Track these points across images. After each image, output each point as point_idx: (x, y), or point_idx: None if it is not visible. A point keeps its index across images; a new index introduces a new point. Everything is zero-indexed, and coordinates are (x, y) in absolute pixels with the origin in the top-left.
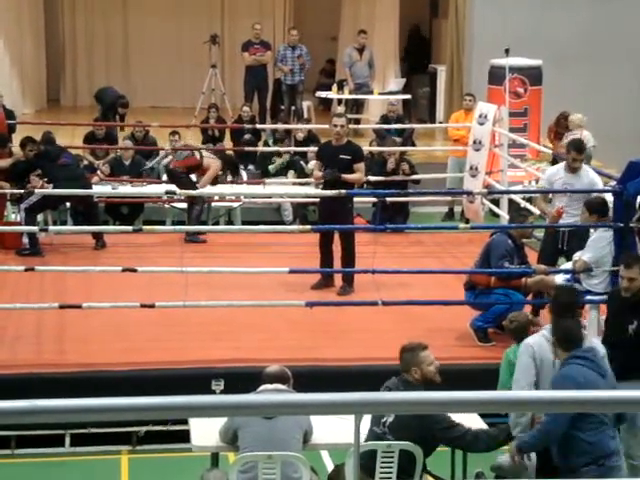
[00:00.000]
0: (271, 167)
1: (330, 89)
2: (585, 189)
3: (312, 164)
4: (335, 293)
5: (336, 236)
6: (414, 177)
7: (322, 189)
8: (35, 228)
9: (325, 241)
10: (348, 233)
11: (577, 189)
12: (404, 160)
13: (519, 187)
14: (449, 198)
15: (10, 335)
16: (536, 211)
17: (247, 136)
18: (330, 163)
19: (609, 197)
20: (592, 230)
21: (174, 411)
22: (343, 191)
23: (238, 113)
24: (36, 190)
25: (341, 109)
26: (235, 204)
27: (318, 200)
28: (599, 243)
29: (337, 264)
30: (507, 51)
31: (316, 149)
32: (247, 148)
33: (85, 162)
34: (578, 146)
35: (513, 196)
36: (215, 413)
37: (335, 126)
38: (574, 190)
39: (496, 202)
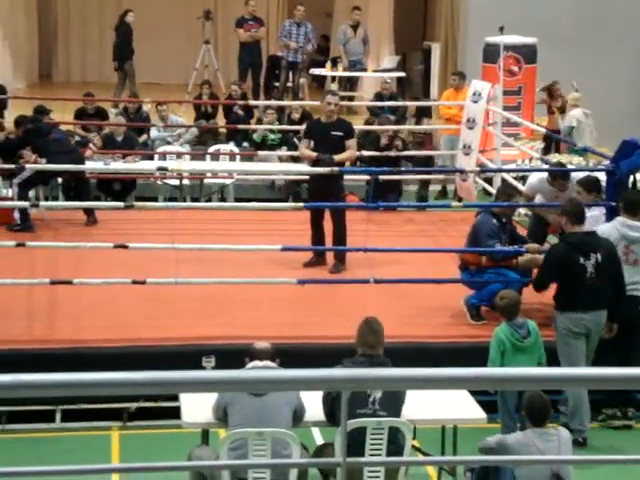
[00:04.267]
0: (255, 135)
1: (324, 66)
2: (578, 168)
3: (302, 145)
4: (327, 271)
5: (327, 213)
6: (407, 153)
7: (312, 167)
8: (27, 203)
9: (316, 218)
10: (339, 210)
11: (570, 168)
12: (397, 137)
13: (512, 166)
14: (442, 176)
15: (1, 311)
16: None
17: (238, 113)
18: (321, 140)
19: (602, 176)
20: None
21: (164, 386)
22: (336, 168)
23: (229, 90)
24: (28, 165)
25: (335, 86)
26: (228, 181)
27: (309, 178)
28: (599, 221)
29: (329, 242)
30: (502, 29)
31: (305, 126)
32: (239, 126)
33: (77, 138)
34: (562, 175)
35: (506, 175)
36: (205, 388)
37: (329, 104)
38: (568, 169)
39: (489, 180)
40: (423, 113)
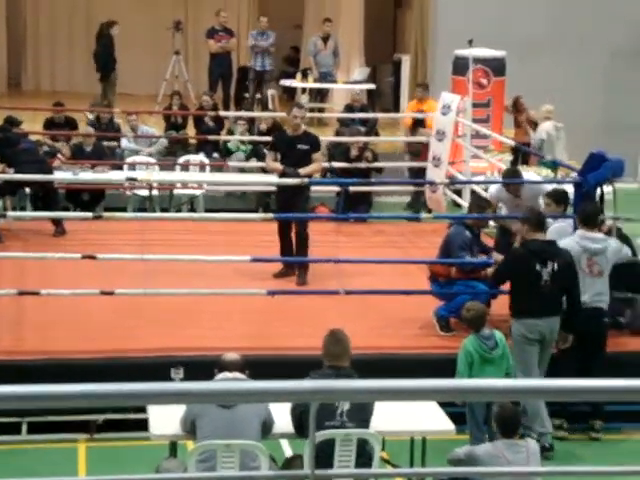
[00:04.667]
0: (229, 144)
1: (294, 77)
2: (545, 180)
3: (268, 158)
4: (294, 283)
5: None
6: (376, 165)
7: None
8: None
9: (284, 229)
10: (301, 221)
11: (536, 180)
12: (367, 149)
13: (481, 178)
14: (412, 188)
15: None
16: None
17: (209, 124)
18: (288, 153)
19: (570, 188)
20: (551, 220)
21: (132, 398)
22: (306, 179)
23: (200, 101)
24: None
25: (305, 98)
26: (197, 192)
27: (276, 189)
28: (565, 232)
29: None
30: (470, 42)
31: (271, 139)
32: (210, 137)
33: (45, 148)
34: (514, 175)
35: (475, 186)
36: (174, 400)
37: (295, 117)
38: (535, 181)
39: (458, 192)
40: (419, 124)
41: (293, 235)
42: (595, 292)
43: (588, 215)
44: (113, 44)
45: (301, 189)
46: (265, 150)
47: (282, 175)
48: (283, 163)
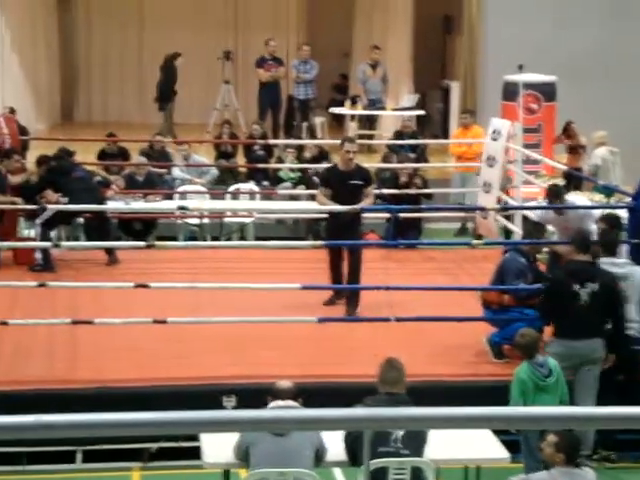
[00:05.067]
0: (282, 173)
1: (342, 104)
2: (599, 205)
3: (319, 196)
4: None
5: (345, 254)
6: (426, 191)
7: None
8: (48, 244)
9: (334, 258)
10: (356, 251)
11: (589, 205)
12: (417, 175)
13: (533, 203)
14: (462, 214)
15: (22, 351)
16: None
17: (258, 152)
18: (340, 189)
19: (623, 213)
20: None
21: (185, 426)
22: (358, 206)
23: (250, 129)
24: (49, 205)
25: (354, 125)
26: (247, 219)
27: (327, 217)
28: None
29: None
30: (521, 67)
31: (321, 173)
32: (259, 165)
33: (98, 178)
34: (556, 193)
35: (527, 212)
36: (226, 428)
37: (347, 152)
38: (589, 206)
39: (509, 218)
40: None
41: (344, 266)
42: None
43: (610, 242)
44: (176, 75)
45: (354, 222)
46: (314, 178)
47: (335, 215)
48: (335, 197)
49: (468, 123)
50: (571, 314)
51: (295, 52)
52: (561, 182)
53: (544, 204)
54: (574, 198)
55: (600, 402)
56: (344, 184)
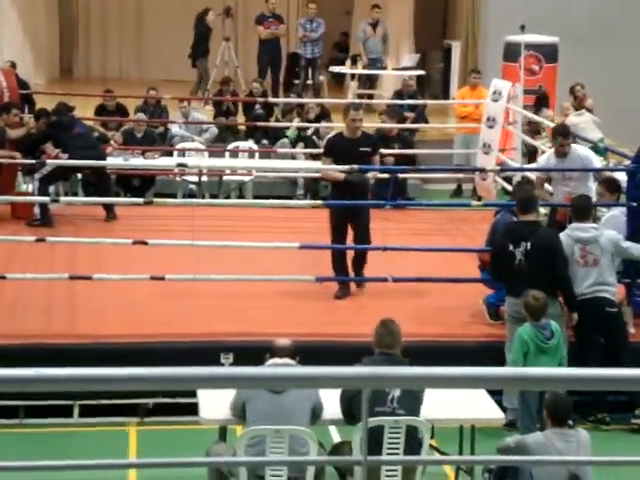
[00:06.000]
0: (289, 133)
1: (343, 63)
2: (597, 168)
3: (324, 165)
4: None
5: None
6: (408, 151)
7: (335, 187)
8: (47, 199)
9: (338, 236)
10: (365, 229)
11: (589, 168)
12: (399, 136)
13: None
14: (460, 175)
15: (20, 305)
16: (549, 188)
17: (258, 110)
18: (346, 157)
19: (622, 176)
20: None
21: (182, 382)
22: (355, 166)
23: (250, 87)
24: (49, 161)
25: (354, 84)
26: (246, 178)
27: (331, 195)
28: (619, 221)
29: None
30: (522, 28)
31: (326, 142)
32: (259, 123)
33: (96, 134)
34: (562, 131)
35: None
36: (223, 384)
37: (353, 120)
38: (589, 169)
39: (509, 180)
40: (542, 103)
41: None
42: (592, 282)
43: (580, 208)
44: (207, 31)
45: (361, 191)
46: (314, 138)
47: (343, 184)
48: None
49: (477, 83)
50: (511, 273)
51: (295, 9)
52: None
53: (544, 162)
54: (577, 147)
55: (586, 365)
56: (351, 152)
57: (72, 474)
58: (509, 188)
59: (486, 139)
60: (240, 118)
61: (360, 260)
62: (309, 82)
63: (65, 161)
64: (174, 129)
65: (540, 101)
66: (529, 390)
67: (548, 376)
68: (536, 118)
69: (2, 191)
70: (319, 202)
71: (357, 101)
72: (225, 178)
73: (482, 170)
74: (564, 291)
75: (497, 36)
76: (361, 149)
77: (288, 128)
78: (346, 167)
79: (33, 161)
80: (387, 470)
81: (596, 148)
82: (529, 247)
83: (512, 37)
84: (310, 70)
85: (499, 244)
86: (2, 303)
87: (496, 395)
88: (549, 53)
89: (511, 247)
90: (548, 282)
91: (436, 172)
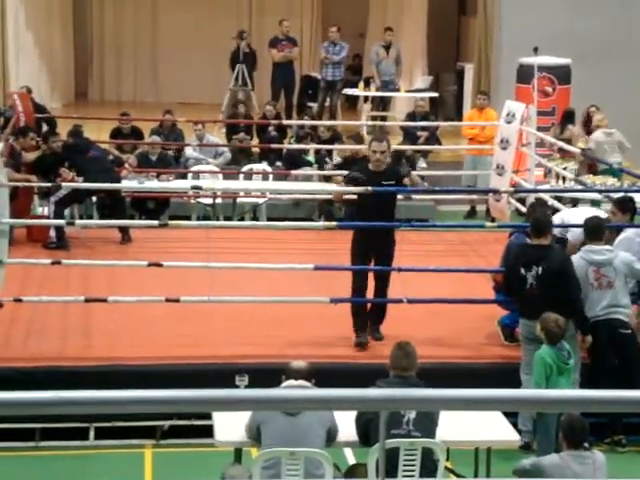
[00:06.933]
0: (310, 158)
1: (357, 86)
2: (614, 189)
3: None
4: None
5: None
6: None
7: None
8: (62, 222)
9: (360, 281)
10: (386, 271)
11: (603, 189)
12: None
13: (546, 187)
14: (474, 197)
15: (36, 328)
16: (560, 206)
17: (272, 133)
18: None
19: (637, 197)
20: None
21: (197, 404)
22: (370, 188)
23: (263, 110)
24: (64, 184)
25: (367, 107)
26: (260, 200)
27: (355, 235)
28: (632, 242)
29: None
30: (536, 50)
31: (350, 173)
32: (272, 145)
33: (111, 157)
34: (622, 205)
35: (541, 195)
36: (238, 407)
37: (374, 152)
38: (603, 190)
39: (522, 201)
40: (568, 120)
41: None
42: (606, 304)
43: (593, 228)
44: (240, 56)
45: (391, 213)
46: (327, 159)
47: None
48: (365, 202)
49: (484, 105)
50: (523, 296)
51: (309, 32)
52: (574, 166)
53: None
54: (571, 212)
55: (600, 386)
56: (375, 186)
57: None
58: (523, 209)
59: (499, 160)
60: (253, 141)
61: (380, 311)
62: (327, 104)
63: (81, 184)
64: (188, 152)
65: (566, 118)
66: (547, 412)
67: (566, 398)
68: (549, 139)
69: (18, 214)
70: (333, 224)
71: (380, 135)
72: (239, 200)
73: (496, 191)
74: (576, 315)
75: (510, 58)
76: (384, 183)
77: (303, 151)
78: (361, 189)
79: (49, 184)
80: None
81: (612, 170)
82: (540, 271)
83: (525, 59)
84: (329, 93)
85: (511, 267)
86: (18, 326)
87: (511, 417)
88: (562, 75)
89: (522, 271)
90: (560, 305)
91: (451, 193)
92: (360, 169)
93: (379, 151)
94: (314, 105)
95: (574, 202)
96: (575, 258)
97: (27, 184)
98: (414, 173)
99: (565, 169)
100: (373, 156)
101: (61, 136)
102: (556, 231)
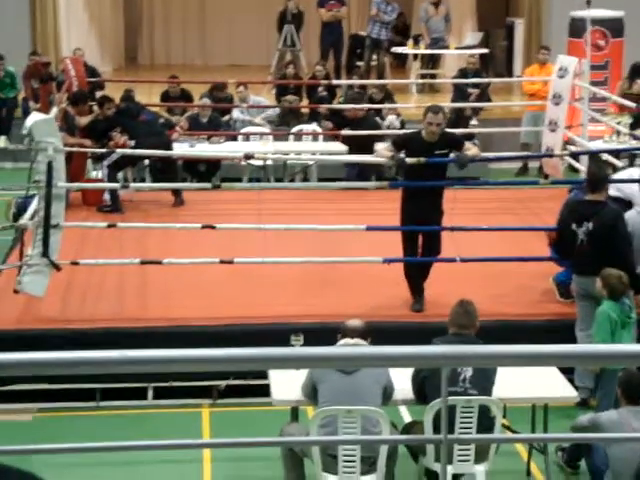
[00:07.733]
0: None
1: (401, 45)
2: None
3: (382, 147)
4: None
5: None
6: (466, 131)
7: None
8: (117, 185)
9: (411, 246)
10: (436, 234)
11: None
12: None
13: (599, 142)
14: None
15: (93, 290)
16: (618, 163)
17: (322, 93)
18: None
19: None
20: None
21: (253, 363)
22: (422, 160)
23: (313, 70)
24: (117, 150)
25: (417, 65)
26: (311, 161)
27: (403, 198)
28: None
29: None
30: (588, 2)
31: (399, 137)
32: (322, 106)
33: (162, 120)
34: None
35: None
36: (295, 365)
37: (430, 124)
38: None
39: (576, 157)
40: (637, 74)
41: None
42: None
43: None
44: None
45: (436, 198)
46: (377, 118)
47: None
48: (419, 170)
49: (546, 60)
50: (575, 252)
51: None
52: (628, 120)
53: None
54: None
55: None
56: (427, 155)
57: (148, 454)
58: (577, 165)
59: (552, 116)
60: (303, 101)
61: (424, 271)
62: (373, 63)
63: (133, 150)
64: (235, 114)
65: (635, 72)
66: (611, 369)
67: (629, 352)
68: (602, 93)
69: (73, 178)
70: (385, 183)
71: (437, 105)
72: (289, 161)
73: (550, 155)
74: (627, 272)
75: (562, 12)
76: (437, 152)
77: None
78: (413, 160)
79: (102, 150)
80: (460, 449)
81: None
82: (591, 227)
83: (577, 12)
84: (376, 51)
85: (563, 223)
86: (75, 288)
87: (567, 374)
88: (615, 27)
89: (574, 226)
90: (611, 262)
91: (501, 161)
92: (411, 135)
93: (435, 123)
94: (362, 64)
95: (631, 158)
96: (632, 214)
97: (81, 149)
98: (468, 144)
99: (619, 123)
100: (428, 127)
101: (115, 102)
102: (619, 193)
